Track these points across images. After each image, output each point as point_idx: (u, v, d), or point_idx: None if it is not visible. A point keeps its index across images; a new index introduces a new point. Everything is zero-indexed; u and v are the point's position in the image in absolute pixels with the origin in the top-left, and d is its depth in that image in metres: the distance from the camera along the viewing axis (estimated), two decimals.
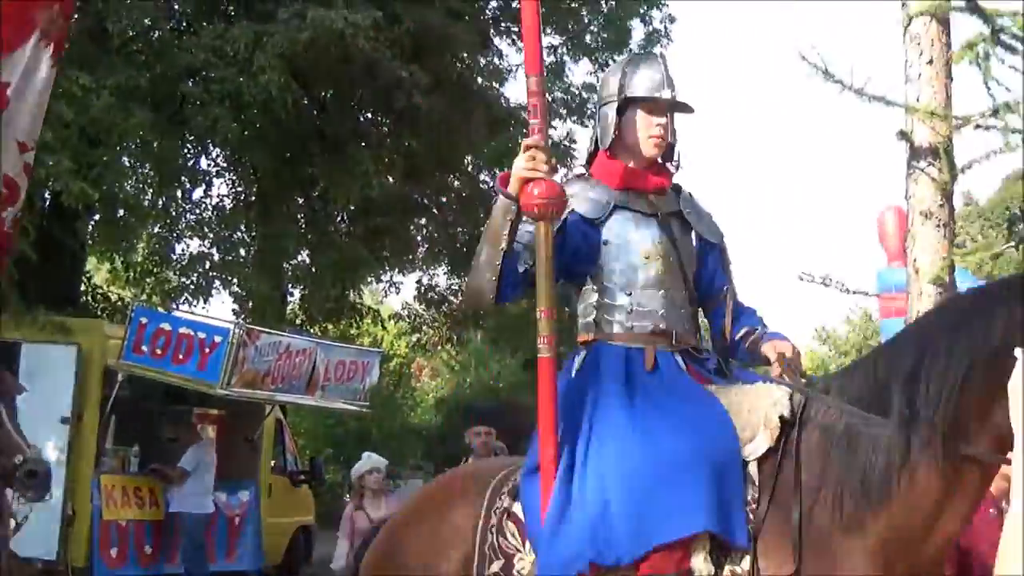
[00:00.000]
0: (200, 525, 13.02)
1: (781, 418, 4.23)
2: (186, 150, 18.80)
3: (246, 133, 17.23)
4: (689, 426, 4.26)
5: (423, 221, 23.33)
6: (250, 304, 19.21)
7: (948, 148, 8.19)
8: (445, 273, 24.28)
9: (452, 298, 24.12)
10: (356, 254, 20.07)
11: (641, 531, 4.06)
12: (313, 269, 19.89)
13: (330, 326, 22.87)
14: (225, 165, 20.52)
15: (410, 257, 23.50)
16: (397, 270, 24.13)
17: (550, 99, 22.50)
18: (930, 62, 8.23)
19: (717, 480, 4.11)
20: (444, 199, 23.01)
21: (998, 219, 49.62)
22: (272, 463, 16.09)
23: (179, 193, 19.83)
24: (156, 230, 20.62)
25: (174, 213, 20.13)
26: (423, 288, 24.55)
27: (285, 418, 17.24)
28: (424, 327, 26.28)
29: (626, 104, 4.67)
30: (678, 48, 46.73)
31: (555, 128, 22.39)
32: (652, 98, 4.65)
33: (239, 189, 21.21)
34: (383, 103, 18.29)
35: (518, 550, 4.29)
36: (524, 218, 4.27)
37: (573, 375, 4.59)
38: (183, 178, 19.18)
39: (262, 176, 19.00)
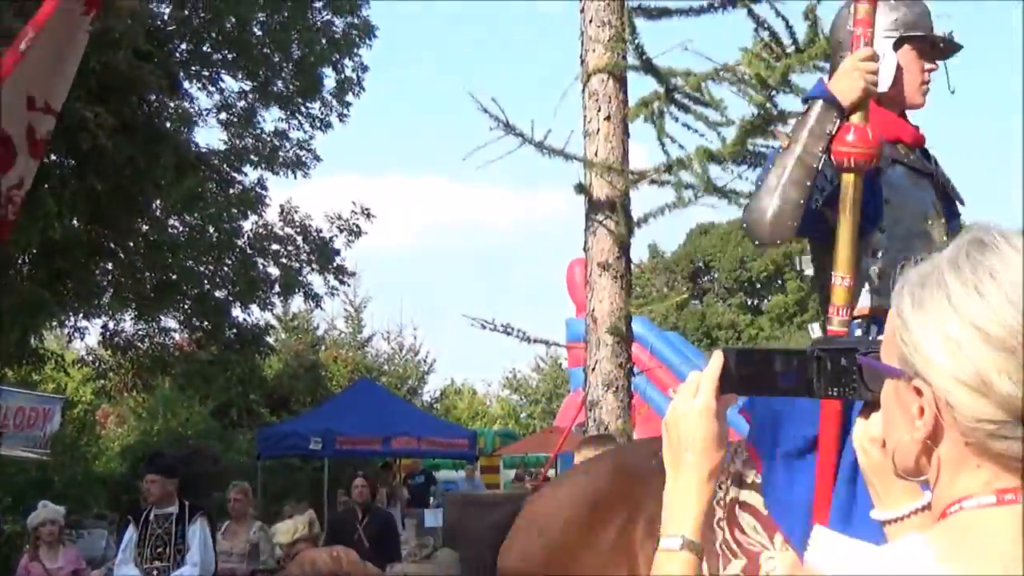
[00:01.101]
0: None
1: None
2: None
3: None
4: None
5: (109, 265, 22.57)
6: None
7: (624, 202, 8.52)
8: (132, 318, 23.66)
9: (139, 343, 23.78)
10: (38, 297, 19.05)
11: None
12: None
13: (9, 371, 21.37)
14: None
15: (96, 302, 22.58)
16: (82, 314, 23.14)
17: (240, 145, 22.51)
18: (608, 118, 8.57)
19: None
20: (131, 243, 22.19)
21: (683, 271, 51.85)
22: None
23: None
24: None
25: None
26: (109, 333, 23.78)
27: None
28: (110, 373, 25.47)
29: (899, 43, 4.11)
30: (370, 98, 47.00)
31: (246, 174, 22.43)
32: (932, 37, 4.18)
33: None
34: (67, 143, 17.83)
35: (764, 547, 3.79)
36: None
37: None
38: None
39: None
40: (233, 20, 20.71)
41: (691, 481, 1.79)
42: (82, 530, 18.93)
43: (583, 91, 8.67)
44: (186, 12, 20.56)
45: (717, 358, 1.83)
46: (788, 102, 8.19)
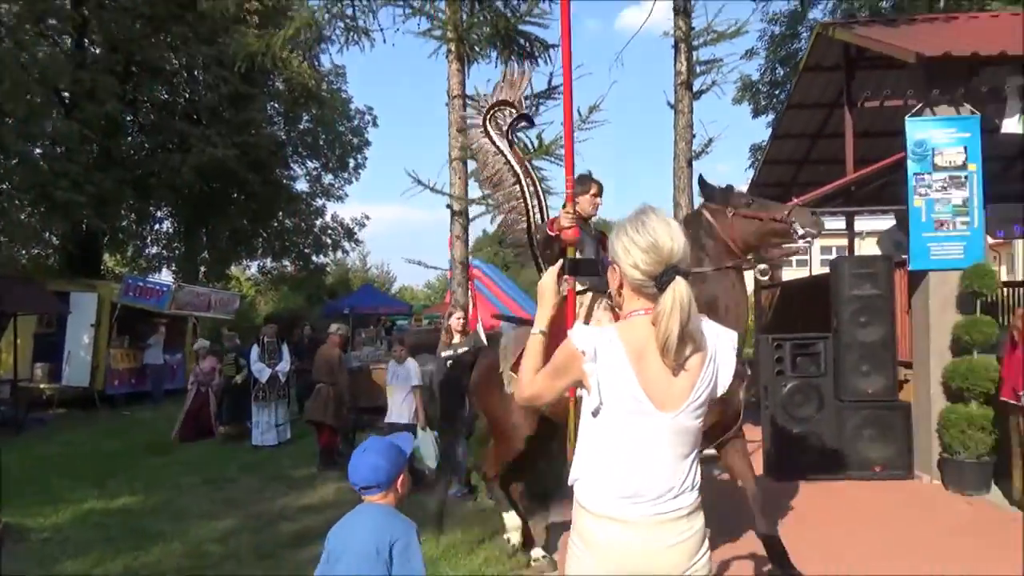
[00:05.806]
0: None
1: None
2: None
3: None
4: None
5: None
6: None
7: (465, 210, 12.18)
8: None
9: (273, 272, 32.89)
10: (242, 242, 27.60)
11: None
12: None
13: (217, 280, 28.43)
14: None
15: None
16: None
17: None
18: (460, 177, 12.34)
19: None
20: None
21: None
22: None
23: None
24: None
25: None
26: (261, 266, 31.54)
27: None
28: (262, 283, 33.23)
29: None
30: None
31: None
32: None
33: None
34: None
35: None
36: None
37: None
38: None
39: None
40: None
41: (545, 307, 3.15)
42: None
43: (451, 165, 12.28)
44: None
45: (560, 261, 3.50)
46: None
